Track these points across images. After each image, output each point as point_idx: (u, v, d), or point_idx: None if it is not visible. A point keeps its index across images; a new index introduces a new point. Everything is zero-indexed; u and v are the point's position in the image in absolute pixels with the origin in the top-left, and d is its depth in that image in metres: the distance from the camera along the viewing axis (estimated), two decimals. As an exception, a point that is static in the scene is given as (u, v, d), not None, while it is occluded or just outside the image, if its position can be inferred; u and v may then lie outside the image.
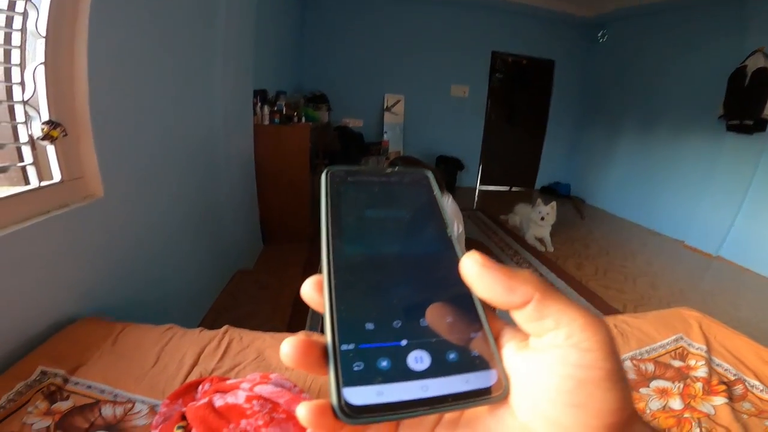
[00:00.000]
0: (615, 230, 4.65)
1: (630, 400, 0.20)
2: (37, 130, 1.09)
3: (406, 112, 5.73)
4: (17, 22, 1.05)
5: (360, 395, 0.19)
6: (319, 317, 2.25)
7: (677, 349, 1.24)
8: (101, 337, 1.10)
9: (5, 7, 1.03)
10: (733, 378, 1.12)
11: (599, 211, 5.46)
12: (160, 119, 1.69)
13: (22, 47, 1.07)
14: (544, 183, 6.51)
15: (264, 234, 3.19)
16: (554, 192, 6.11)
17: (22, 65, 1.08)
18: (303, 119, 3.44)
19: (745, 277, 3.38)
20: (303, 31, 5.18)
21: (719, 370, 1.16)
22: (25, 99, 1.07)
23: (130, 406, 0.92)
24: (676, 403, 1.03)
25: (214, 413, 0.82)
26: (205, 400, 0.85)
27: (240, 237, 2.72)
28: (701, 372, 1.12)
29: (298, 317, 2.26)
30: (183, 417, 0.84)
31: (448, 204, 1.91)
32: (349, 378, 0.19)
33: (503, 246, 3.78)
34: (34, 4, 1.05)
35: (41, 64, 1.08)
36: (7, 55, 1.07)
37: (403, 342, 0.21)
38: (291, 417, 0.83)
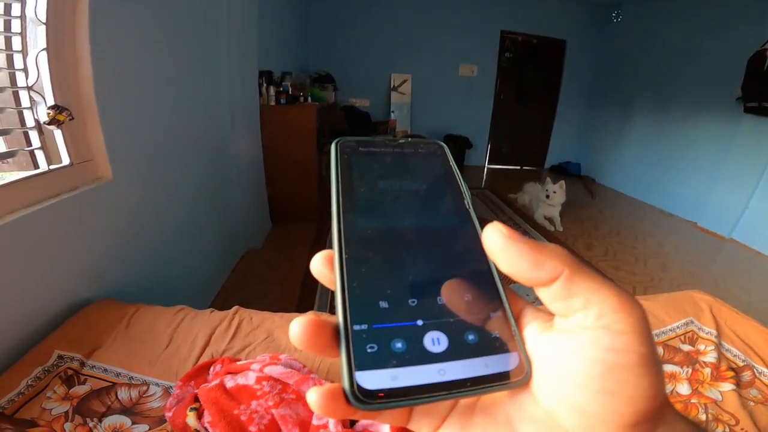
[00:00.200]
0: (626, 210, 4.59)
1: (663, 386, 0.19)
2: (43, 114, 1.09)
3: (414, 92, 5.64)
4: (16, 9, 1.04)
5: (373, 379, 0.18)
6: (327, 297, 2.27)
7: (687, 333, 1.23)
8: (115, 319, 1.12)
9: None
10: (741, 364, 1.11)
11: (610, 191, 5.39)
12: (166, 101, 1.68)
13: (23, 33, 1.06)
14: (554, 162, 6.43)
15: (272, 214, 3.21)
16: (564, 171, 6.05)
17: (24, 51, 1.07)
18: (309, 99, 3.42)
19: (758, 260, 3.34)
20: (308, 11, 5.08)
21: (728, 355, 1.15)
22: (29, 85, 1.07)
23: (144, 388, 0.94)
24: (683, 389, 1.03)
25: (225, 395, 0.83)
26: (217, 381, 0.87)
27: (248, 217, 2.74)
28: (710, 357, 1.12)
29: (307, 297, 2.29)
30: (196, 399, 0.86)
31: None
32: (362, 361, 0.18)
33: (512, 225, 3.75)
34: (32, -9, 1.04)
35: (43, 49, 1.07)
36: (8, 42, 1.06)
37: (419, 322, 0.20)
38: (300, 397, 0.85)
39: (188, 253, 1.91)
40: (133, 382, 0.95)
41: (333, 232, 0.21)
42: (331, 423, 0.78)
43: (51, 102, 1.11)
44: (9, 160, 1.07)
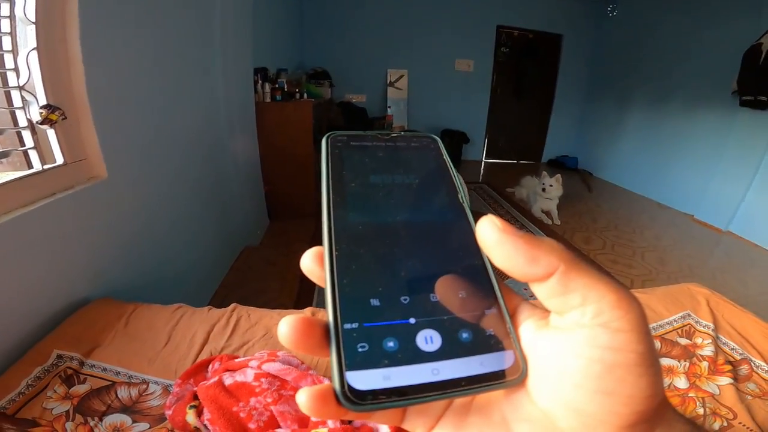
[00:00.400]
0: (623, 203, 4.60)
1: (661, 385, 0.18)
2: (36, 114, 1.08)
3: (410, 87, 5.63)
4: (5, 8, 1.03)
5: (365, 379, 0.17)
6: (326, 293, 2.27)
7: (684, 326, 1.23)
8: (113, 318, 1.12)
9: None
10: (739, 358, 1.11)
11: (607, 184, 5.40)
12: (160, 99, 1.67)
13: (12, 33, 1.05)
14: (552, 156, 6.44)
15: (270, 210, 3.21)
16: (562, 165, 6.06)
17: (15, 51, 1.06)
18: (305, 96, 3.40)
19: (755, 253, 3.35)
20: (303, 7, 5.05)
21: (725, 349, 1.15)
22: (21, 84, 1.06)
23: (144, 387, 0.94)
24: (681, 382, 1.03)
25: (224, 392, 0.83)
26: (215, 379, 0.87)
27: (246, 214, 2.74)
28: (707, 351, 1.12)
29: (306, 293, 2.29)
30: (195, 396, 0.86)
31: None
32: (353, 360, 0.17)
33: (509, 219, 3.77)
34: (21, -9, 1.02)
35: (33, 49, 1.06)
36: (-2, 42, 1.06)
37: (412, 320, 0.19)
38: (299, 395, 0.85)
39: (186, 250, 1.91)
40: (132, 380, 0.95)
41: (323, 229, 0.21)
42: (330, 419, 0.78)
43: (43, 101, 1.10)
44: (3, 160, 1.06)
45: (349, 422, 0.81)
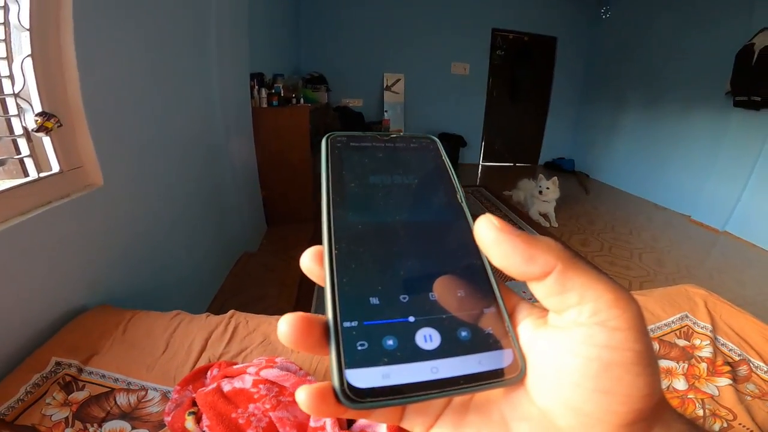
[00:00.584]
0: (620, 205, 4.62)
1: (659, 384, 0.18)
2: (31, 122, 1.08)
3: (407, 91, 5.65)
4: (-1, 15, 1.03)
5: (364, 378, 0.17)
6: (325, 298, 2.27)
7: (682, 327, 1.23)
8: (112, 325, 1.11)
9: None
10: (737, 358, 1.11)
11: (604, 186, 5.42)
12: (156, 106, 1.67)
13: (7, 40, 1.05)
14: (548, 159, 6.47)
15: (267, 216, 3.20)
16: (558, 167, 6.08)
17: (9, 58, 1.05)
18: (302, 101, 3.42)
19: (752, 253, 3.37)
20: (299, 13, 5.07)
21: (724, 350, 1.15)
22: (16, 92, 1.06)
23: (143, 393, 0.94)
24: (680, 384, 1.02)
25: (222, 398, 0.83)
26: (214, 385, 0.87)
27: (244, 219, 2.73)
28: (706, 352, 1.12)
29: (304, 298, 2.29)
30: (194, 403, 0.86)
31: None
32: (352, 358, 0.17)
33: (508, 222, 3.77)
34: (14, -3, 1.02)
35: (28, 56, 1.06)
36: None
37: (411, 318, 0.19)
38: (298, 401, 0.84)
39: (183, 257, 1.90)
40: (131, 387, 0.95)
41: (323, 228, 0.21)
42: (329, 425, 0.78)
43: (38, 109, 1.10)
44: (-1, 168, 1.06)
45: (349, 426, 0.81)
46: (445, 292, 0.20)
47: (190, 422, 0.81)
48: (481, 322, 0.20)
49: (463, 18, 5.53)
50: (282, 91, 3.15)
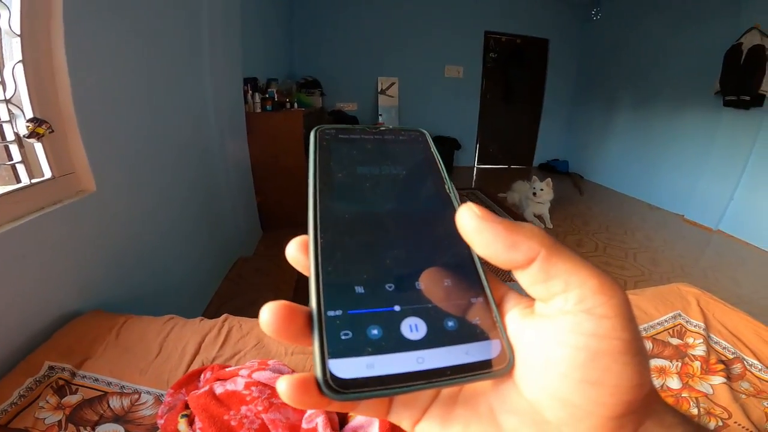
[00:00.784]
0: (614, 205, 4.65)
1: (648, 375, 0.18)
2: (23, 128, 1.08)
3: (401, 95, 5.67)
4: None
5: (348, 368, 0.17)
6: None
7: (675, 326, 1.23)
8: (105, 330, 1.11)
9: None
10: (731, 357, 1.11)
11: (598, 187, 5.45)
12: (149, 111, 1.67)
13: (-2, 46, 1.05)
14: (542, 160, 6.50)
15: (262, 221, 3.20)
16: (553, 169, 6.11)
17: (0, 64, 1.05)
18: (296, 105, 3.42)
19: (745, 251, 3.39)
20: (292, 18, 5.09)
21: (717, 348, 1.14)
22: (7, 98, 1.06)
23: (136, 397, 0.94)
24: (674, 383, 1.02)
25: (215, 401, 0.83)
26: (206, 388, 0.87)
27: (238, 224, 2.73)
28: (699, 350, 1.11)
29: (300, 303, 2.27)
30: (187, 406, 0.86)
31: None
32: (335, 348, 0.17)
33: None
34: (5, 4, 1.02)
35: (19, 62, 1.06)
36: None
37: (397, 308, 0.19)
38: (291, 402, 0.85)
39: (178, 262, 1.90)
40: (124, 390, 0.95)
41: (308, 217, 0.21)
42: (320, 426, 0.78)
43: (30, 115, 1.10)
44: (-10, 174, 1.06)
45: (341, 427, 0.81)
46: (432, 281, 0.20)
47: (182, 425, 0.81)
48: (469, 312, 0.20)
49: (456, 21, 5.57)
50: (276, 96, 3.16)
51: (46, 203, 1.14)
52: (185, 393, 0.92)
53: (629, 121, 5.07)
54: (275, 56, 4.32)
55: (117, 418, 0.87)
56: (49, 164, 1.17)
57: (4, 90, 1.06)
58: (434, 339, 0.18)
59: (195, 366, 1.03)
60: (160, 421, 0.85)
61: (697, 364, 1.07)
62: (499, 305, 0.21)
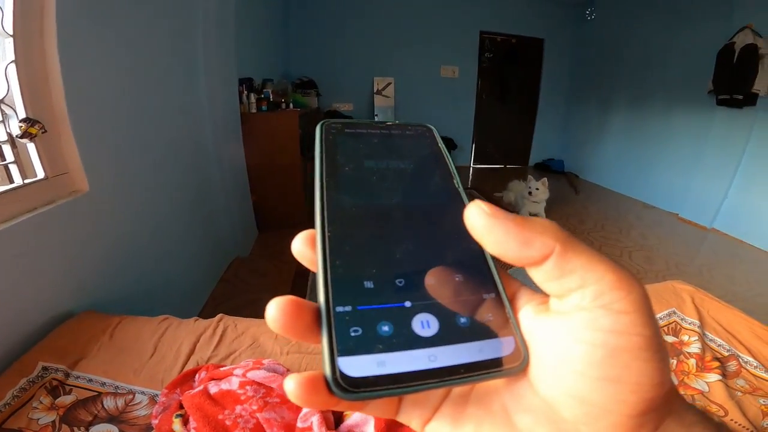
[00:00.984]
0: (610, 204, 4.66)
1: (669, 372, 0.17)
2: (16, 128, 1.07)
3: (397, 95, 5.66)
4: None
5: (358, 366, 0.16)
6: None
7: (670, 323, 1.23)
8: (99, 330, 1.11)
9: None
10: (726, 354, 1.11)
11: (594, 186, 5.47)
12: (142, 111, 1.66)
13: (-9, 46, 1.05)
14: (538, 160, 6.51)
15: (258, 221, 3.19)
16: (548, 168, 6.13)
17: (-7, 65, 1.05)
18: (291, 106, 3.42)
19: (740, 249, 3.41)
20: (288, 17, 5.08)
21: (712, 345, 1.14)
22: (0, 98, 1.05)
23: (130, 397, 0.94)
24: (669, 380, 1.02)
25: (209, 400, 0.83)
26: (201, 388, 0.87)
27: (234, 225, 2.72)
28: (694, 348, 1.11)
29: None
30: (181, 406, 0.85)
31: None
32: (345, 345, 0.16)
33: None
34: (-2, 4, 1.02)
35: (12, 62, 1.06)
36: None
37: (408, 303, 0.18)
38: (285, 401, 0.85)
39: (172, 262, 1.89)
40: (119, 391, 0.95)
41: (315, 211, 0.20)
42: (315, 425, 0.78)
43: (23, 115, 1.10)
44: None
45: (336, 426, 0.81)
46: (443, 276, 0.19)
47: (177, 425, 0.80)
48: (481, 308, 0.19)
49: (452, 21, 5.57)
50: (271, 96, 3.15)
51: (39, 203, 1.14)
52: (180, 393, 0.92)
53: (624, 120, 5.09)
54: (271, 56, 4.32)
55: (111, 419, 0.87)
56: (42, 164, 1.16)
57: (-4, 90, 1.06)
58: (446, 336, 0.18)
59: (190, 366, 1.03)
60: (155, 421, 0.84)
61: (692, 361, 1.07)
62: (512, 301, 0.20)
